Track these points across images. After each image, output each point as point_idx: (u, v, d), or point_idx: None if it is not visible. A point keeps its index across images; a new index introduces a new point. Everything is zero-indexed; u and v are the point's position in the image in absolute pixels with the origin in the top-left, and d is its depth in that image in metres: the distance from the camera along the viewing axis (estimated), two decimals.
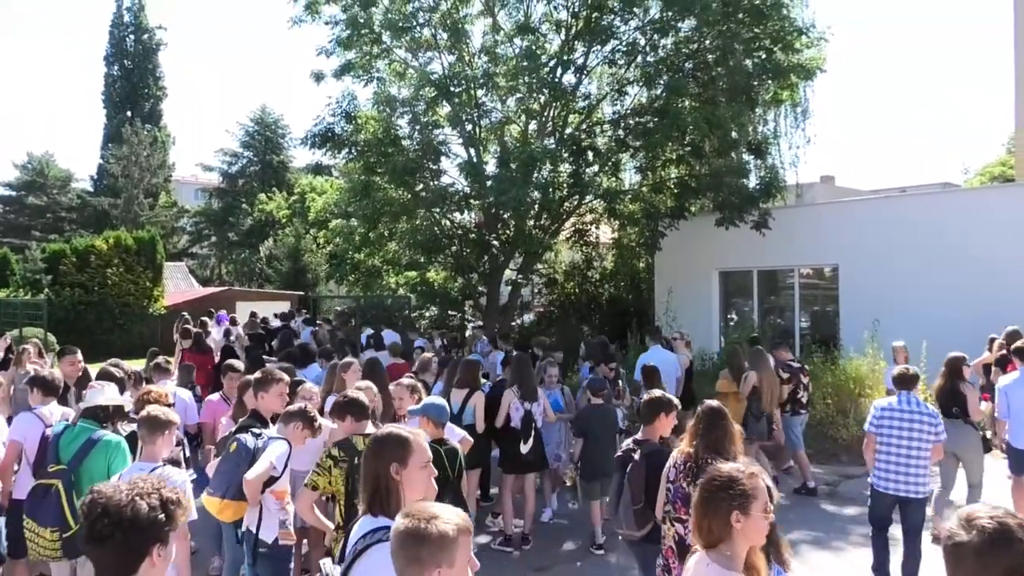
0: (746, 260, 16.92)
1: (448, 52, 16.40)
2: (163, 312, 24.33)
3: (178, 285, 31.43)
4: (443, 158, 15.84)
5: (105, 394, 4.98)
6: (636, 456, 4.97)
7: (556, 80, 15.26)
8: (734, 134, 16.85)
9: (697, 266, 17.36)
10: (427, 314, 18.36)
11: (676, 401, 5.28)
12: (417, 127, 15.08)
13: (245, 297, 25.96)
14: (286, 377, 5.11)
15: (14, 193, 49.44)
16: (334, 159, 16.78)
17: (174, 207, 43.10)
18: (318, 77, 16.63)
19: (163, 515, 2.06)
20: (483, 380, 8.19)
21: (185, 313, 16.24)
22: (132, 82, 45.26)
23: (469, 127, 15.71)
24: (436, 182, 15.43)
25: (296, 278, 31.20)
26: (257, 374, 5.21)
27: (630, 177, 18.76)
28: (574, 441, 7.78)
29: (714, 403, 4.61)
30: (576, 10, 15.94)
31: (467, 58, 16.23)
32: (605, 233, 21.48)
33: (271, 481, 4.45)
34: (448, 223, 16.62)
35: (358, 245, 17.11)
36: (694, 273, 17.39)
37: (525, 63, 14.82)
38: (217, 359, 10.94)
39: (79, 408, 5.07)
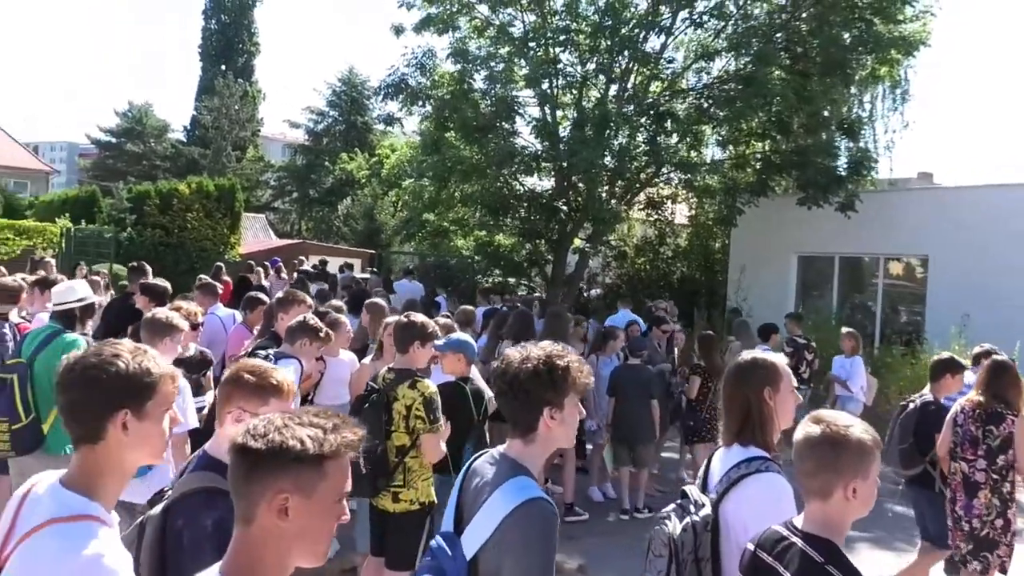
0: (828, 245, 16.02)
1: (528, 11, 15.89)
2: (238, 259, 24.74)
3: (257, 235, 32.03)
4: (516, 117, 15.36)
5: (74, 293, 4.75)
6: (911, 406, 5.71)
7: (639, 42, 14.63)
8: (825, 112, 16.00)
9: (775, 249, 16.51)
10: (490, 279, 18.03)
11: (963, 362, 6.04)
12: (492, 83, 14.70)
13: (317, 251, 26.12)
14: (308, 299, 4.86)
15: (113, 140, 51.43)
16: (407, 112, 16.54)
17: (260, 161, 43.96)
18: (398, 31, 16.38)
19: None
20: None
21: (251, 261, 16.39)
22: (227, 36, 46.23)
23: (545, 86, 15.23)
24: (508, 141, 14.99)
25: (370, 237, 31.37)
26: (280, 294, 4.99)
27: (712, 152, 18.03)
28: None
29: (1001, 357, 5.43)
30: None
31: (547, 15, 15.70)
32: (682, 211, 20.80)
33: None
34: (518, 185, 16.24)
35: (427, 204, 16.91)
36: (771, 256, 16.56)
37: (608, 20, 14.27)
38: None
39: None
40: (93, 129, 52.30)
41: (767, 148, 16.23)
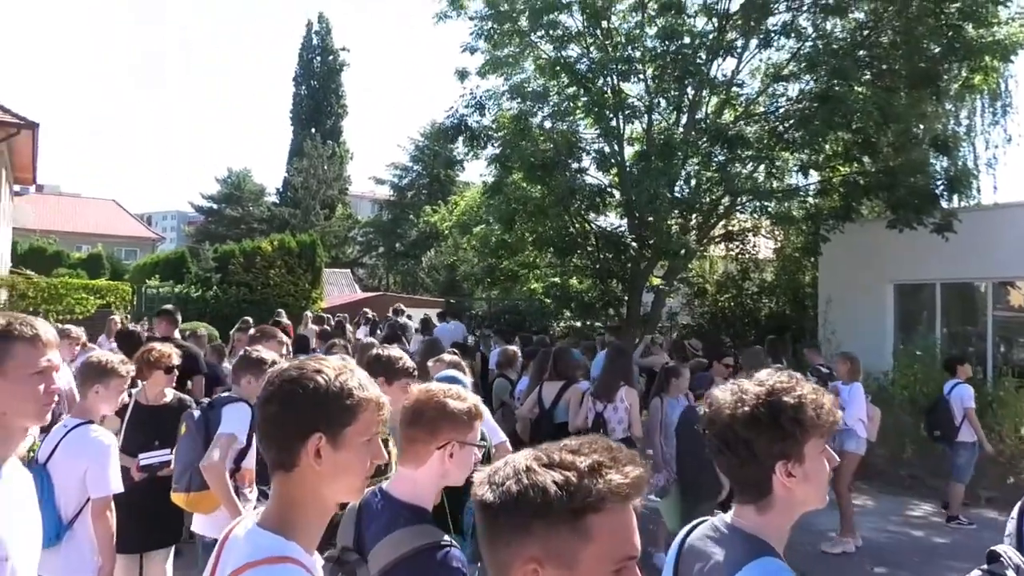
0: (928, 272, 14.70)
1: (588, 39, 15.49)
2: (320, 312, 25.02)
3: (342, 290, 32.52)
4: (581, 153, 14.85)
5: None
6: None
7: (702, 65, 13.98)
8: (916, 129, 14.87)
9: (868, 278, 15.27)
10: (562, 321, 17.41)
11: None
12: (554, 119, 14.31)
13: (396, 301, 26.24)
14: (282, 336, 4.39)
15: (215, 206, 53.91)
16: (473, 155, 16.31)
17: (349, 218, 45.02)
18: (462, 75, 16.24)
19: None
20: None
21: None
22: (316, 101, 48.03)
23: (608, 118, 14.72)
24: (571, 176, 14.47)
25: (452, 287, 31.35)
26: (253, 330, 4.55)
27: (793, 177, 17.01)
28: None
29: None
30: None
31: (611, 48, 15.26)
32: (767, 245, 19.75)
33: (243, 455, 3.71)
34: (585, 224, 15.66)
35: (494, 249, 16.52)
36: (864, 285, 15.32)
37: (668, 45, 13.72)
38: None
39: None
40: (197, 197, 54.90)
41: (852, 170, 15.16)
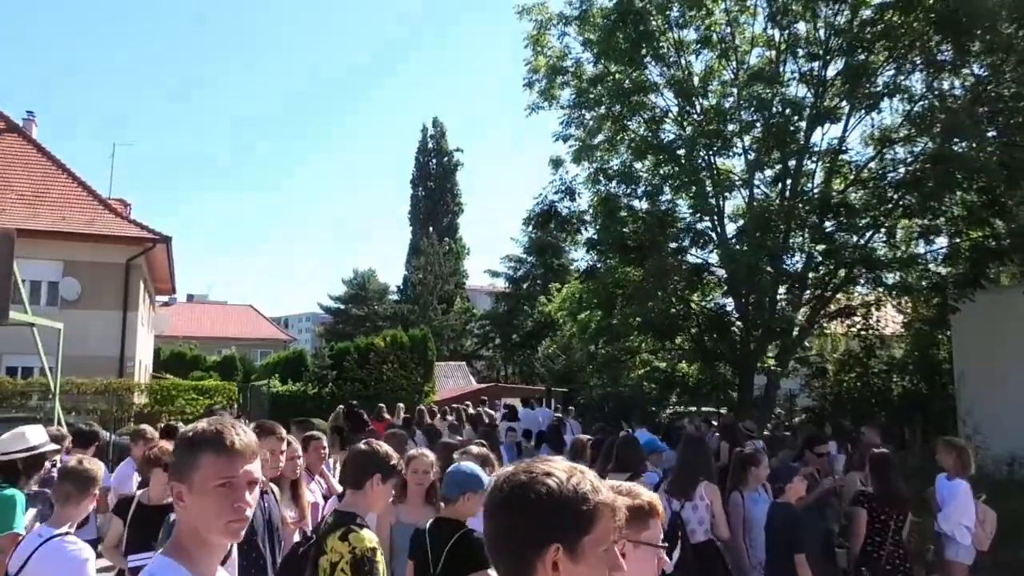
0: None
1: (681, 118, 15.24)
2: (432, 405, 25.13)
3: (457, 382, 32.64)
4: (674, 231, 14.39)
5: (22, 442, 4.15)
6: None
7: (799, 134, 13.40)
8: None
9: (1011, 348, 13.73)
10: (668, 407, 16.56)
11: None
12: (642, 198, 14.01)
13: (506, 393, 25.99)
14: (281, 431, 4.13)
15: (342, 306, 56.10)
16: (571, 241, 16.18)
17: (466, 312, 45.64)
18: (556, 163, 16.29)
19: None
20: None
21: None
22: (433, 200, 49.78)
23: (705, 193, 14.26)
24: (666, 256, 13.99)
25: (566, 376, 30.87)
26: (254, 424, 4.33)
27: (918, 246, 15.82)
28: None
29: None
30: (830, 55, 14.08)
31: (702, 122, 14.93)
32: (895, 320, 18.35)
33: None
34: (687, 305, 15.03)
35: (594, 334, 16.11)
36: (1007, 358, 13.77)
37: (763, 116, 13.25)
38: None
39: None
40: (326, 299, 57.36)
41: (982, 234, 13.93)
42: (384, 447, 3.45)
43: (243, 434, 1.93)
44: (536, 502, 1.46)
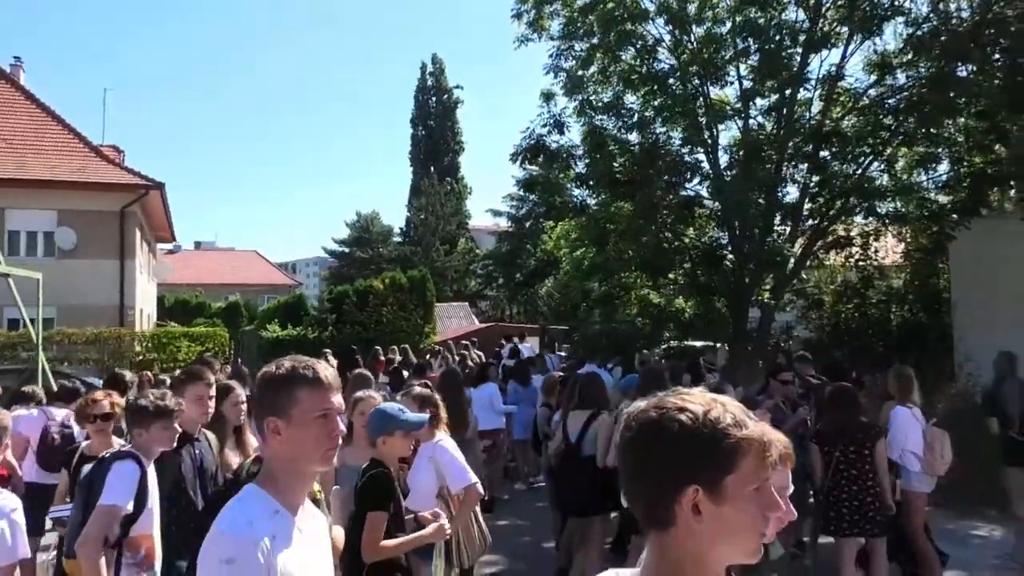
0: None
1: (675, 48, 14.76)
2: (434, 346, 25.17)
3: (460, 323, 32.68)
4: (666, 163, 14.02)
5: None
6: None
7: (792, 60, 12.97)
8: None
9: (1007, 276, 13.51)
10: (664, 343, 16.47)
11: None
12: (631, 130, 13.64)
13: (508, 331, 26.01)
14: (208, 376, 4.01)
15: (347, 249, 56.00)
16: (562, 176, 15.84)
17: (469, 252, 45.47)
18: (548, 97, 15.86)
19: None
20: None
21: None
22: (434, 140, 49.12)
23: (698, 125, 13.88)
24: (656, 189, 13.68)
25: (566, 313, 30.85)
26: (180, 372, 4.24)
27: (918, 175, 15.46)
28: None
29: None
30: None
31: (695, 51, 14.46)
32: (896, 250, 18.07)
33: (132, 520, 3.34)
34: (681, 240, 14.78)
35: (588, 271, 15.94)
36: (1004, 286, 13.56)
37: (757, 43, 12.82)
38: None
39: None
40: (331, 243, 57.16)
41: (983, 161, 13.58)
42: None
43: (330, 369, 2.05)
44: (669, 441, 1.34)
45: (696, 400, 1.39)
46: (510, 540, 8.18)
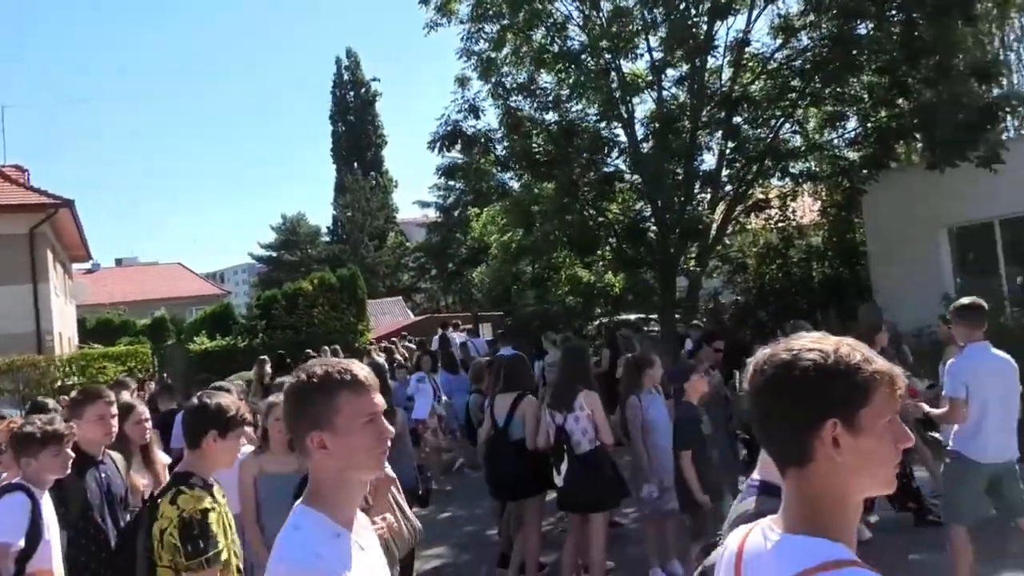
0: (983, 210, 13.34)
1: (586, 24, 14.77)
2: (369, 344, 24.85)
3: (395, 317, 32.42)
4: (584, 140, 14.03)
5: None
6: None
7: (698, 26, 13.13)
8: (956, 59, 13.60)
9: (917, 226, 13.99)
10: (596, 320, 16.57)
11: None
12: (545, 110, 13.61)
13: (444, 322, 25.89)
14: (108, 395, 3.81)
15: (274, 253, 54.85)
16: (484, 161, 15.72)
17: (400, 246, 45.04)
18: (462, 81, 15.69)
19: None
20: None
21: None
22: (355, 135, 48.37)
23: (613, 101, 13.92)
24: (576, 167, 13.69)
25: (501, 299, 30.83)
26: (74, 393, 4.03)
27: (828, 134, 15.86)
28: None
29: None
30: None
31: (603, 27, 14.50)
32: (814, 209, 18.55)
33: (27, 556, 3.13)
34: (602, 215, 14.85)
35: (515, 254, 15.90)
36: (914, 235, 14.04)
37: (664, 13, 12.91)
38: None
39: None
40: (257, 248, 55.89)
41: (885, 115, 13.99)
42: (219, 400, 3.17)
43: (365, 367, 1.94)
44: (804, 378, 1.39)
45: (824, 341, 1.45)
46: (453, 532, 8.11)
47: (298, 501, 1.88)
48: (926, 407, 5.38)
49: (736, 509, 2.20)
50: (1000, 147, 12.08)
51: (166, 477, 4.29)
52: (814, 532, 1.39)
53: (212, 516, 2.91)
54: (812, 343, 1.44)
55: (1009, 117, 15.12)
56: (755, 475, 2.20)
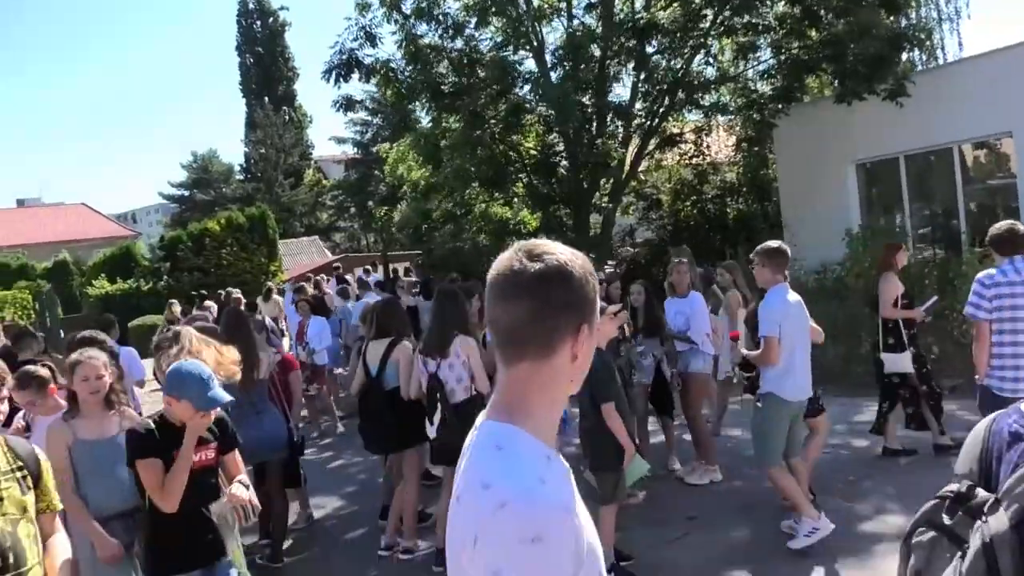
0: (889, 145, 13.35)
1: None
2: (282, 285, 24.05)
3: (312, 258, 31.49)
4: (490, 70, 13.38)
5: None
6: None
7: None
8: None
9: (826, 160, 13.95)
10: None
11: None
12: (446, 37, 12.91)
13: (359, 262, 25.19)
14: None
15: (186, 192, 52.49)
16: (386, 90, 14.92)
17: (317, 184, 43.61)
18: (363, 7, 14.73)
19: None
20: None
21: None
22: (264, 67, 46.14)
23: (522, 29, 13.29)
24: (481, 98, 13.08)
25: (422, 237, 30.25)
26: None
27: (741, 66, 15.57)
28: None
29: None
30: None
31: None
32: (729, 144, 18.42)
33: None
34: (512, 149, 14.35)
35: (424, 191, 15.33)
36: (823, 170, 14.02)
37: None
38: None
39: None
40: (168, 187, 53.34)
41: (796, 47, 13.78)
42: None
43: None
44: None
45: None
46: (343, 480, 7.76)
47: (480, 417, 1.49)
48: (744, 349, 5.33)
49: None
50: (907, 79, 12.02)
51: None
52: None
53: None
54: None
55: (917, 51, 15.11)
56: None
